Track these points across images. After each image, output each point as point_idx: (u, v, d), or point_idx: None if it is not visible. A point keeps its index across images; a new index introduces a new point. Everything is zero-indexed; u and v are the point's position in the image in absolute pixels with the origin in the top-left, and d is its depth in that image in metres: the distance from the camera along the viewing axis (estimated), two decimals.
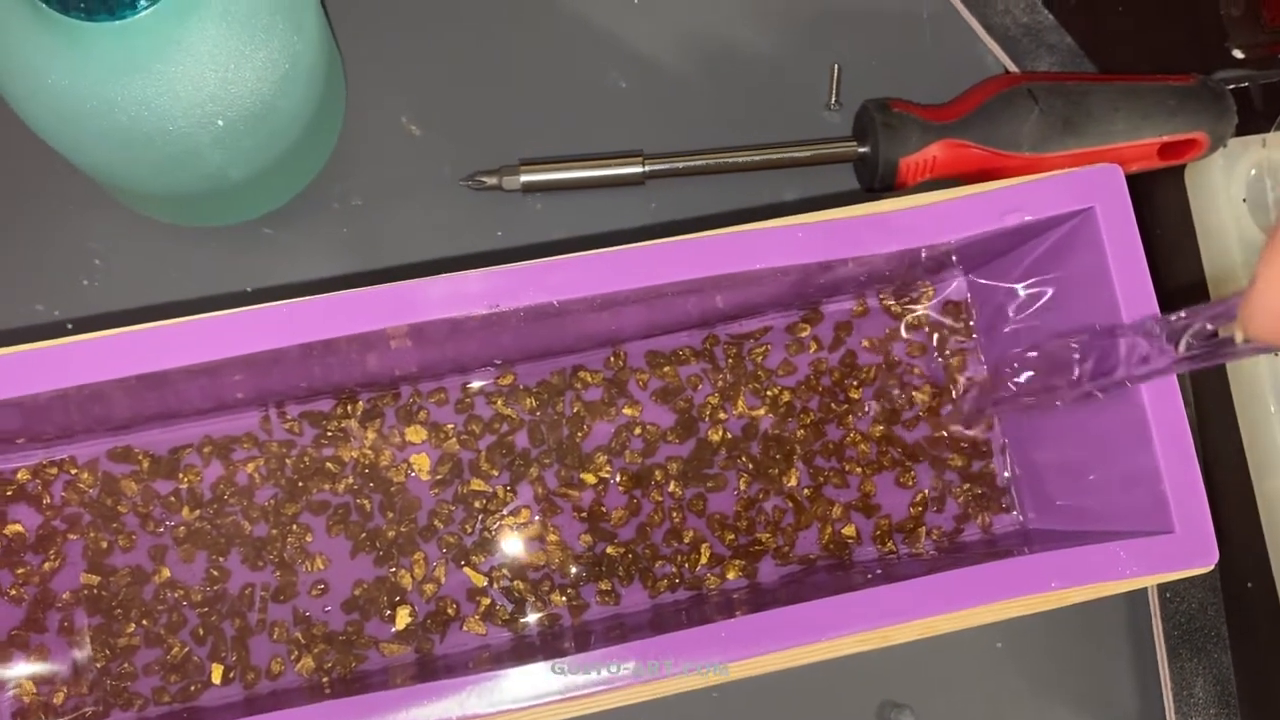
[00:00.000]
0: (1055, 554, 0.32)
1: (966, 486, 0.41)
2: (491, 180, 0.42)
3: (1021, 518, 0.41)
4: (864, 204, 0.34)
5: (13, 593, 0.37)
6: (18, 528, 0.38)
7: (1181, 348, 0.29)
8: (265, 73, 0.32)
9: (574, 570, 0.39)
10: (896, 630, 0.33)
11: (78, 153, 0.34)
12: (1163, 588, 0.44)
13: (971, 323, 0.42)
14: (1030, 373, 0.36)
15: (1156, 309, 0.34)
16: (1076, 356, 0.33)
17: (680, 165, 0.42)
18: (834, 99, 0.44)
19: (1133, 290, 0.34)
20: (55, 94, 0.31)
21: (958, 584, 0.33)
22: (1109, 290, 0.34)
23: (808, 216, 0.34)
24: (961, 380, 0.41)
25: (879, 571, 0.37)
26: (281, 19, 0.33)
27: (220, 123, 0.32)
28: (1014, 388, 0.37)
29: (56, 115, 0.32)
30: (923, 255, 0.37)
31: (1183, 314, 0.29)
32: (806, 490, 0.41)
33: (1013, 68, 0.45)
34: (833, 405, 0.41)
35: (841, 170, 0.44)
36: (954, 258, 0.40)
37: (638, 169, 0.42)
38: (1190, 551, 0.33)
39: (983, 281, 0.41)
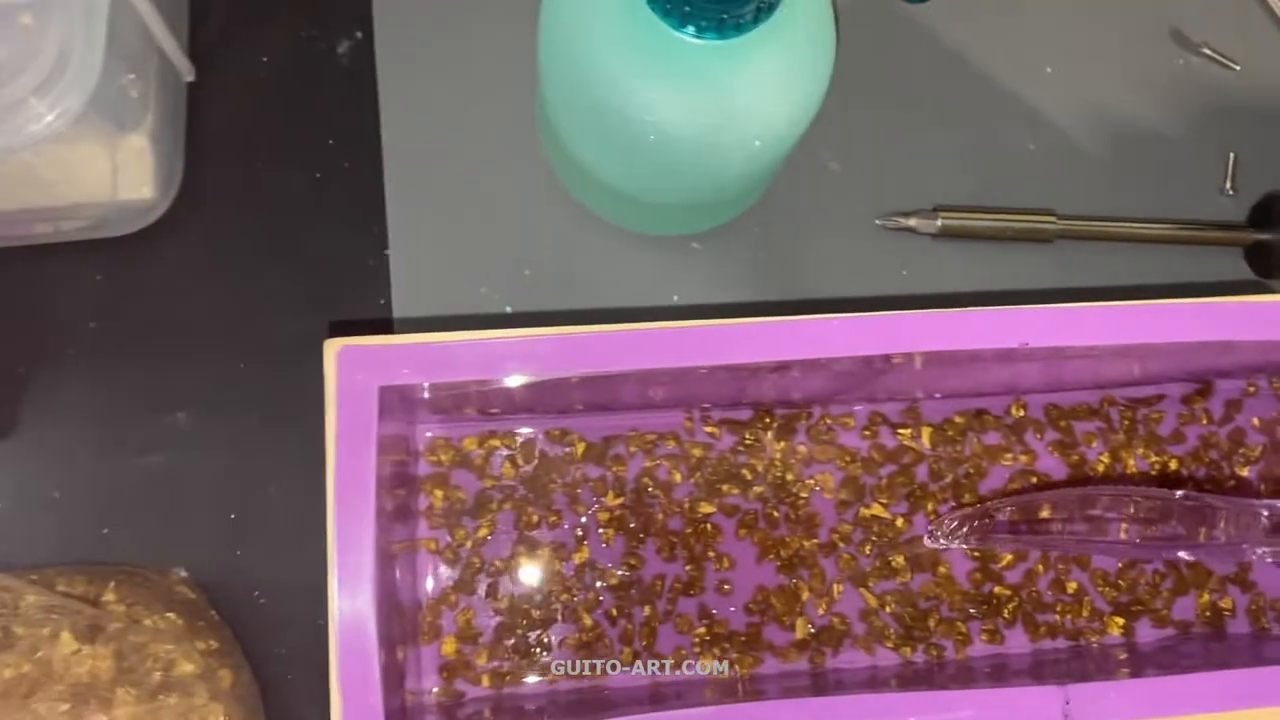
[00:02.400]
0: None
1: None
2: (909, 222, 0.44)
3: None
4: None
5: (449, 554, 0.40)
6: (460, 493, 0.40)
7: None
8: (799, 100, 0.35)
9: (962, 605, 0.41)
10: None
11: (598, 151, 0.36)
12: None
13: None
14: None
15: None
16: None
17: (1091, 228, 0.44)
18: (1229, 185, 0.46)
19: None
20: (625, 96, 0.33)
21: None
22: None
23: (1255, 299, 0.35)
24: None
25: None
26: (819, 53, 0.35)
27: (757, 143, 0.35)
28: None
29: (612, 116, 0.34)
30: None
31: None
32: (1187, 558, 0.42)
33: None
34: (1218, 479, 0.42)
35: (1222, 253, 0.45)
36: None
37: (1051, 225, 0.43)
38: None
39: None
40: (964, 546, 0.38)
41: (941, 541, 0.39)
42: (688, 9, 0.31)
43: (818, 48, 0.35)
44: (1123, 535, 0.33)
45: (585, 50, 0.34)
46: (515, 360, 0.31)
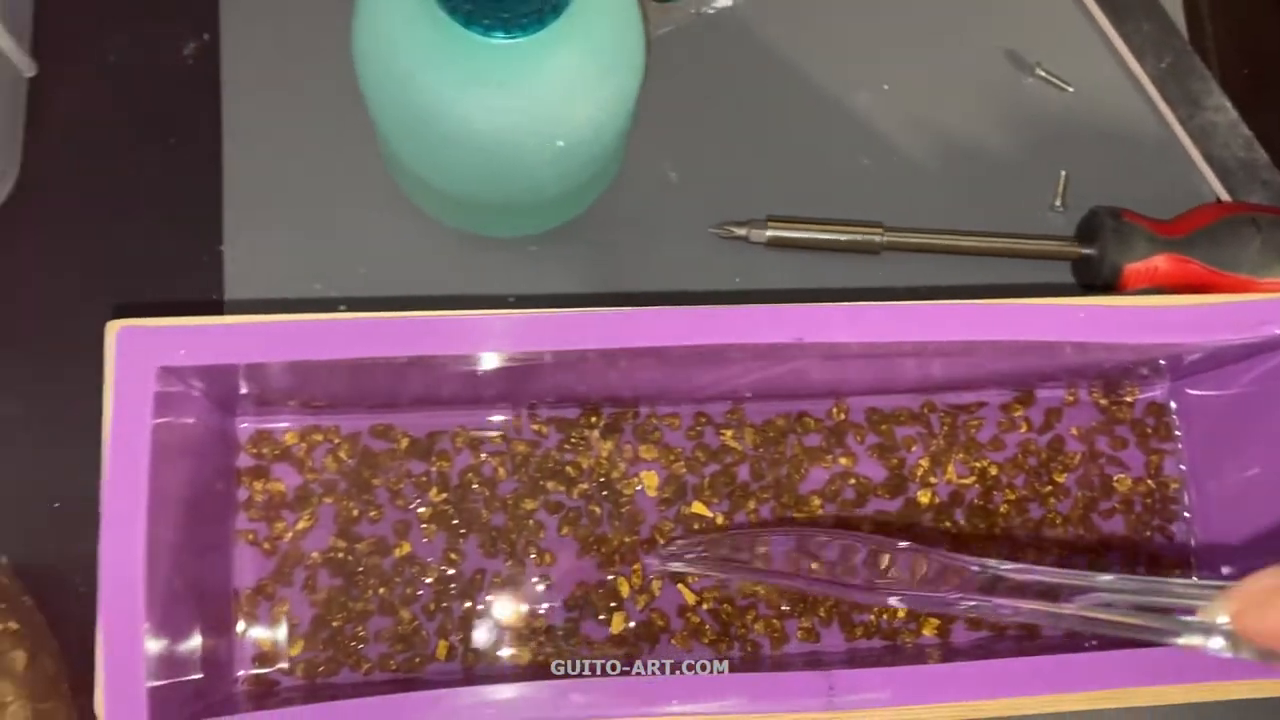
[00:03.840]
0: None
1: None
2: (740, 231, 0.45)
3: None
4: (1128, 296, 0.37)
5: (266, 546, 0.40)
6: (280, 486, 0.40)
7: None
8: (604, 103, 0.36)
9: (779, 604, 0.41)
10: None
11: (416, 151, 0.37)
12: None
13: (1175, 429, 0.44)
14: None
15: None
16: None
17: (917, 240, 0.45)
18: (1059, 202, 0.47)
19: None
20: (426, 95, 0.34)
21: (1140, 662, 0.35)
22: None
23: (1075, 300, 0.36)
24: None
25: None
26: (623, 57, 0.36)
27: (560, 144, 0.35)
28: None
29: (419, 115, 0.35)
30: (1141, 356, 0.40)
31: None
32: None
33: (1225, 197, 0.48)
34: (1036, 485, 0.43)
35: (1052, 268, 0.47)
36: (1163, 363, 0.42)
37: (877, 238, 0.45)
38: None
39: (1191, 391, 0.44)
40: (678, 569, 0.39)
41: (658, 565, 0.40)
42: (470, 8, 0.32)
43: (621, 51, 0.36)
44: (835, 576, 0.34)
45: (390, 50, 0.35)
46: (296, 344, 0.32)
